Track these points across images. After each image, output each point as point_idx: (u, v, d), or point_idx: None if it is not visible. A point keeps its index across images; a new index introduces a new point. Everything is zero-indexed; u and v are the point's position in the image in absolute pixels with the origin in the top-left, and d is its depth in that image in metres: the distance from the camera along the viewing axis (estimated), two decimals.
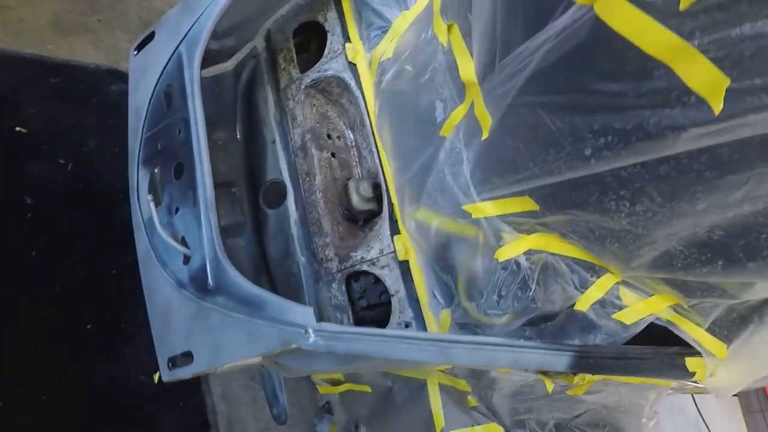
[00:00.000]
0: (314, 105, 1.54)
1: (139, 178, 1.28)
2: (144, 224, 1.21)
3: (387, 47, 1.33)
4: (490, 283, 0.99)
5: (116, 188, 1.65)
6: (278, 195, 1.52)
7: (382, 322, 1.32)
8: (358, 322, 1.33)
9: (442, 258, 1.11)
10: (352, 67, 1.44)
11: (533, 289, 0.95)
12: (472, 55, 0.88)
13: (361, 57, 1.44)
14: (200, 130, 1.17)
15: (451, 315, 1.12)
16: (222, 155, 1.64)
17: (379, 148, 1.35)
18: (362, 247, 1.31)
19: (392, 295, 1.24)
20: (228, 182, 1.63)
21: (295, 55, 1.56)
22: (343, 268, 1.33)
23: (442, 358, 0.92)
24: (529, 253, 0.98)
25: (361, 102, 1.40)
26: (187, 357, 1.05)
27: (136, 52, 1.41)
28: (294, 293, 1.42)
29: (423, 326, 1.19)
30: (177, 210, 1.17)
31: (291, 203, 1.48)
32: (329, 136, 1.52)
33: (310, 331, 0.91)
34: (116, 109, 1.77)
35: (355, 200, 1.36)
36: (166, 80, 1.28)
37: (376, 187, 1.37)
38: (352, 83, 1.43)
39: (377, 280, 1.30)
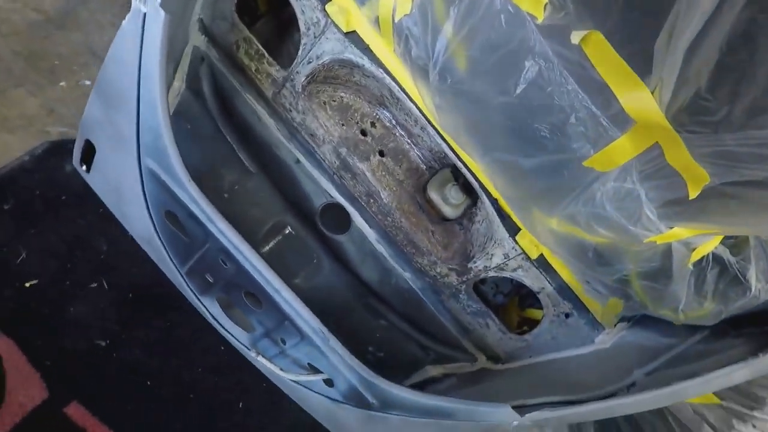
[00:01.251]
0: (325, 103, 1.13)
1: (210, 310, 1.08)
2: (258, 354, 1.06)
3: None
4: (686, 285, 0.81)
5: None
6: (340, 218, 1.27)
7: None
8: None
9: (598, 260, 0.91)
10: (353, 38, 0.99)
11: (752, 282, 0.77)
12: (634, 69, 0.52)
13: (358, 19, 0.98)
14: (252, 258, 0.90)
15: (623, 304, 0.98)
16: (247, 199, 1.34)
17: (437, 127, 1.02)
18: (480, 256, 1.11)
19: (538, 293, 1.10)
20: (276, 226, 1.37)
21: (261, 47, 1.09)
22: (465, 280, 1.16)
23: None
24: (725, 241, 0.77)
25: (383, 74, 1.01)
26: None
27: (85, 169, 1.03)
28: (416, 307, 1.31)
29: (587, 313, 1.07)
30: (284, 341, 1.00)
31: (361, 224, 1.24)
32: (364, 132, 1.16)
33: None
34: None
35: (448, 211, 1.10)
36: (159, 207, 0.95)
37: (463, 184, 1.09)
38: (365, 62, 1.01)
39: None
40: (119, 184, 0.99)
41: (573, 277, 1.05)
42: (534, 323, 1.21)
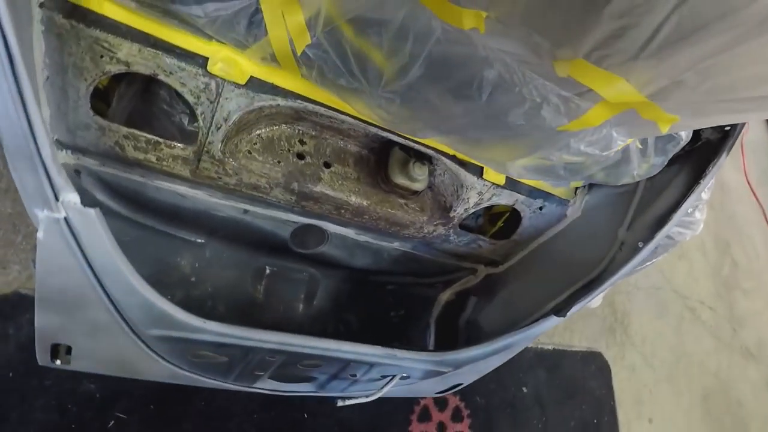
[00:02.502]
0: (250, 152, 1.02)
1: (263, 388, 1.09)
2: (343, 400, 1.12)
3: (286, 29, 0.77)
4: (636, 157, 0.99)
5: None
6: (312, 234, 1.25)
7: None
8: (496, 234, 1.38)
9: (567, 173, 1.04)
10: (254, 84, 0.87)
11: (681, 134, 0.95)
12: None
13: (251, 65, 0.85)
14: (303, 342, 0.90)
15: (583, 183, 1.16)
16: (214, 268, 1.27)
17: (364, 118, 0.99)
18: (457, 204, 1.19)
19: (513, 207, 1.23)
20: (256, 274, 1.32)
21: (150, 136, 0.92)
22: (451, 226, 1.26)
23: None
24: None
25: (301, 102, 0.93)
26: None
27: (60, 363, 0.89)
28: (414, 261, 1.39)
29: (555, 198, 1.24)
30: (354, 375, 1.06)
31: (336, 229, 1.24)
32: (301, 155, 1.08)
33: None
34: None
35: (419, 186, 1.12)
36: (182, 355, 0.88)
37: (416, 154, 1.10)
38: (278, 101, 0.91)
39: None
40: (119, 356, 0.88)
41: (539, 183, 1.19)
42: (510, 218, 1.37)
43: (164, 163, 0.97)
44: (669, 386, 2.77)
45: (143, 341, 0.82)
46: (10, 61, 0.53)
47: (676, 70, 0.53)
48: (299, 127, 1.09)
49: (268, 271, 1.32)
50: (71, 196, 0.59)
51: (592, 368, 2.47)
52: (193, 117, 0.91)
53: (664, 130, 0.68)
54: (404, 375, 1.10)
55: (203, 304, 1.22)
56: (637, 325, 2.74)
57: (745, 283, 3.56)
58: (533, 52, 0.60)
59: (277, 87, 0.89)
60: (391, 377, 1.09)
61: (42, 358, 0.86)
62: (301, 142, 1.10)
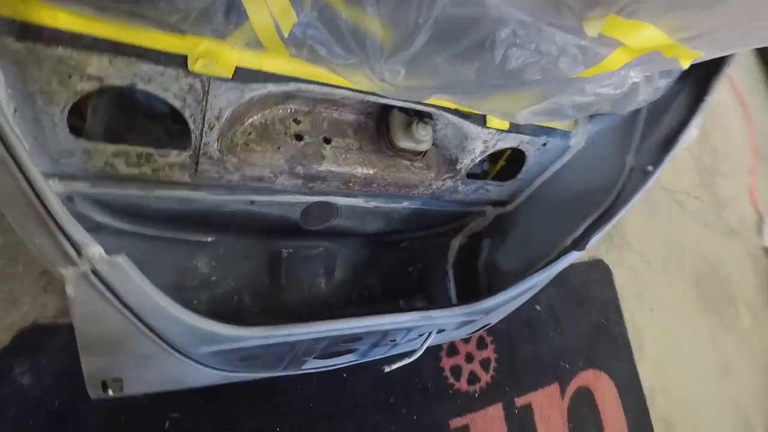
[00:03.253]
0: (247, 144, 0.96)
1: (309, 368, 1.13)
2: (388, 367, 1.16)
3: (268, 10, 0.69)
4: (645, 87, 0.96)
5: None
6: (323, 210, 1.23)
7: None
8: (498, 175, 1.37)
9: (575, 112, 1.01)
10: (242, 74, 0.80)
11: None
12: None
13: (235, 54, 0.78)
14: (345, 325, 0.92)
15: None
16: (230, 263, 1.25)
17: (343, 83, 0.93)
18: (463, 156, 1.16)
19: (518, 146, 1.21)
20: (273, 258, 1.31)
21: (142, 148, 0.86)
22: (459, 177, 1.24)
23: None
24: None
25: (294, 84, 0.87)
26: None
27: (112, 393, 0.90)
28: (424, 216, 1.39)
29: (557, 132, 1.22)
30: (394, 340, 1.10)
31: (346, 201, 1.22)
32: (299, 136, 1.03)
33: None
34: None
35: (424, 146, 1.09)
36: (232, 361, 0.89)
37: (416, 114, 1.05)
38: (269, 87, 0.84)
39: None
40: (171, 375, 0.89)
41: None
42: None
43: (161, 173, 0.91)
44: (665, 276, 2.95)
45: (194, 360, 0.82)
46: None
47: (711, 18, 0.50)
48: (291, 106, 1.03)
49: (284, 254, 1.31)
50: (94, 250, 0.56)
51: (595, 275, 2.60)
52: (179, 117, 0.85)
53: (686, 65, 0.66)
54: (440, 329, 1.14)
55: (229, 300, 1.22)
56: (632, 227, 2.86)
57: (724, 167, 3.68)
58: (555, 12, 0.55)
59: (266, 73, 0.83)
60: (428, 334, 1.13)
61: (94, 393, 0.86)
62: (296, 122, 1.05)
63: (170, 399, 1.42)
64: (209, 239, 1.20)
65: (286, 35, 0.73)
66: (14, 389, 1.26)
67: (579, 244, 1.09)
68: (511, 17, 0.60)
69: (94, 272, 0.58)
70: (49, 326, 1.33)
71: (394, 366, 1.09)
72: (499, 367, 2.05)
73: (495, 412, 2.00)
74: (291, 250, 1.32)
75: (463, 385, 1.93)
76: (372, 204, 1.27)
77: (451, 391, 1.90)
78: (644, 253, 2.88)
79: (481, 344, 2.04)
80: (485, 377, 2.00)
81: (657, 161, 1.04)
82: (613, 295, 2.64)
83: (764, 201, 3.90)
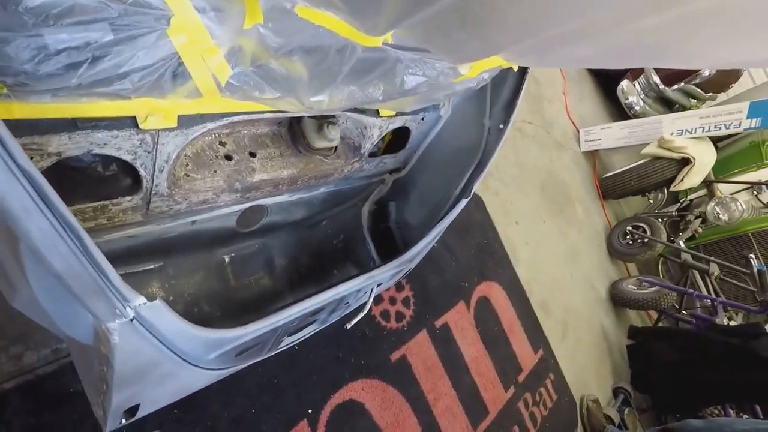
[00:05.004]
0: (187, 174, 1.06)
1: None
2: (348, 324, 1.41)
3: (208, 69, 0.82)
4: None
5: None
6: (253, 212, 1.38)
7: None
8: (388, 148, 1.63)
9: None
10: (184, 121, 0.92)
11: None
12: None
13: (178, 106, 0.88)
14: (312, 302, 1.13)
15: None
16: (181, 280, 1.35)
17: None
18: (364, 142, 1.39)
19: (404, 125, 1.48)
20: (218, 265, 1.43)
21: (96, 203, 0.92)
22: (363, 160, 1.48)
23: None
24: None
25: (227, 119, 1.01)
26: None
27: (126, 418, 1.00)
28: (339, 195, 1.62)
29: (433, 107, 1.52)
30: (347, 302, 1.34)
31: (273, 200, 1.38)
32: (229, 156, 1.15)
33: None
34: None
35: (336, 143, 1.29)
36: (230, 357, 1.04)
37: (329, 118, 1.24)
38: (207, 126, 0.96)
39: None
40: (178, 386, 1.01)
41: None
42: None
43: (115, 220, 0.99)
44: (519, 192, 3.63)
45: (203, 367, 0.98)
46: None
47: (531, 58, 0.80)
48: (214, 132, 1.15)
49: (227, 260, 1.44)
50: (139, 299, 0.69)
51: (471, 205, 3.13)
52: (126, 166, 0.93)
53: (515, 68, 0.97)
54: (379, 283, 1.42)
55: (191, 312, 1.33)
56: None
57: (546, 93, 4.50)
58: (436, 55, 0.80)
59: (204, 115, 0.95)
60: (371, 290, 1.41)
61: (112, 425, 0.97)
62: (222, 144, 1.17)
63: (146, 420, 1.50)
64: (157, 265, 1.28)
65: (223, 85, 0.87)
66: None
67: (465, 191, 1.43)
68: (405, 56, 0.84)
69: (137, 319, 0.71)
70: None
71: (354, 321, 1.35)
72: (416, 302, 2.45)
73: (422, 337, 2.42)
74: (233, 254, 1.45)
75: (393, 324, 2.29)
76: (295, 197, 1.46)
77: (385, 332, 2.25)
78: (502, 178, 3.50)
79: (399, 287, 2.40)
80: (408, 312, 2.39)
81: (506, 120, 1.40)
82: (487, 218, 3.22)
83: (576, 115, 4.88)
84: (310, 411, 1.86)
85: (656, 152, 4.20)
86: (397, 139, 1.65)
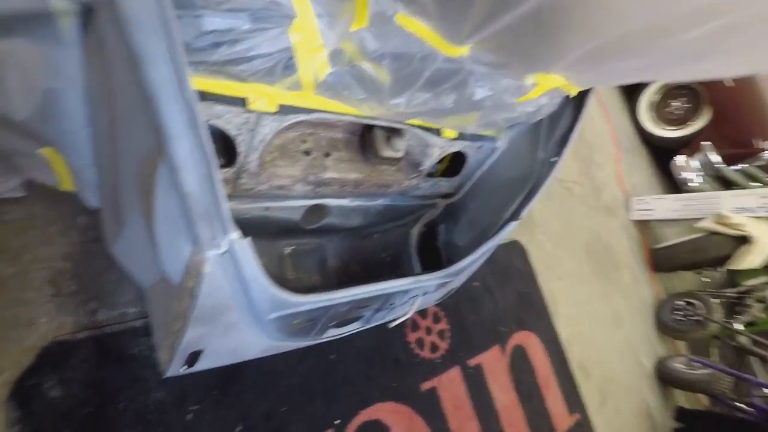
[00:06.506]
0: (272, 160, 1.23)
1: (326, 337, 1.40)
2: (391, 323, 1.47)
3: (313, 65, 0.99)
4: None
5: None
6: (317, 210, 1.51)
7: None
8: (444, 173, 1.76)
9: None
10: (282, 109, 1.08)
11: None
12: None
13: (280, 95, 1.06)
14: (364, 291, 1.22)
15: None
16: None
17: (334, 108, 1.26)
18: (424, 160, 1.53)
19: (463, 150, 1.61)
20: (280, 256, 1.56)
21: None
22: (421, 177, 1.60)
23: None
24: None
25: (316, 115, 1.17)
26: None
27: (186, 368, 1.10)
28: (393, 211, 1.74)
29: (488, 137, 1.64)
30: (392, 303, 1.42)
31: (336, 203, 1.52)
32: (308, 152, 1.32)
33: None
34: None
35: (400, 154, 1.43)
36: (287, 327, 1.14)
37: (391, 130, 1.39)
38: (299, 117, 1.13)
39: None
40: (236, 346, 1.10)
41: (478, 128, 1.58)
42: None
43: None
44: (564, 249, 3.62)
45: (262, 326, 1.07)
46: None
47: (589, 74, 0.92)
48: (300, 130, 1.32)
49: (287, 251, 1.57)
50: (237, 232, 0.82)
51: (515, 253, 3.15)
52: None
53: (573, 94, 1.09)
54: (426, 291, 1.49)
55: None
56: (537, 213, 3.48)
57: (596, 158, 4.56)
58: (507, 71, 0.94)
59: (299, 107, 1.12)
60: (415, 297, 1.48)
61: (174, 369, 1.07)
62: (303, 141, 1.34)
63: (187, 394, 1.58)
64: None
65: (321, 81, 1.04)
66: (46, 403, 1.34)
67: (515, 215, 1.51)
68: (477, 70, 0.98)
69: (229, 252, 0.83)
70: (69, 342, 1.42)
71: (396, 323, 1.41)
72: (452, 336, 2.45)
73: (454, 373, 2.40)
74: (293, 248, 1.58)
75: (426, 353, 2.30)
76: (355, 203, 1.59)
77: (417, 360, 2.26)
78: (547, 232, 3.52)
79: (436, 319, 2.43)
80: (443, 345, 2.39)
81: (558, 154, 1.50)
82: (530, 268, 3.21)
83: (628, 183, 4.87)
84: (336, 422, 1.87)
85: (712, 227, 4.08)
86: (453, 165, 1.78)
